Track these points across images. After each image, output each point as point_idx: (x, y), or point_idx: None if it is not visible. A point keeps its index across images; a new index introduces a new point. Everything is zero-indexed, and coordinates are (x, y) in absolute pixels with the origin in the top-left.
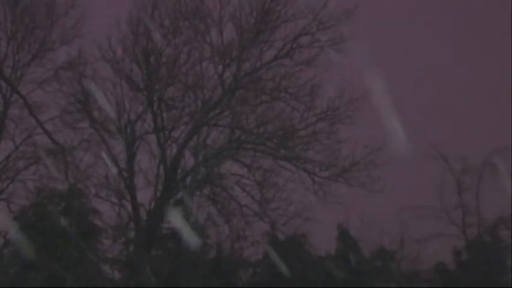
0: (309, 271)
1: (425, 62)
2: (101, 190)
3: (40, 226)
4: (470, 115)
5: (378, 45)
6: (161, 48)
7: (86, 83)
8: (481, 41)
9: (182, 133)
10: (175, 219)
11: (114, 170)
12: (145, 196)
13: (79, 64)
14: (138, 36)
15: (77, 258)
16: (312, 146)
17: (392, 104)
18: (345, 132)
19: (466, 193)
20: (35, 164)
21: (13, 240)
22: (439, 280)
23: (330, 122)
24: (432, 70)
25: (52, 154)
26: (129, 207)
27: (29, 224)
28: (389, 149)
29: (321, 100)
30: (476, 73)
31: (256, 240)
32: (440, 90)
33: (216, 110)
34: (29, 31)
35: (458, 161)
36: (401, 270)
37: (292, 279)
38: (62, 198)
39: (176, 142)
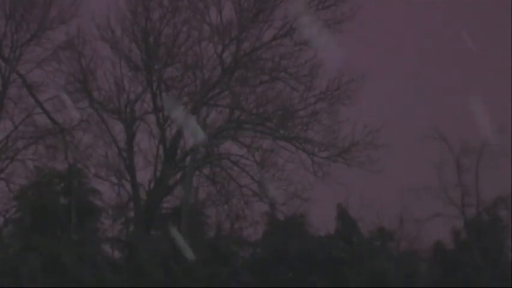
0: (308, 251)
1: (426, 42)
2: (101, 170)
3: (40, 206)
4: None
5: (378, 24)
6: (160, 28)
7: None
8: (481, 19)
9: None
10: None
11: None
12: (144, 176)
13: (78, 44)
14: (137, 16)
15: (76, 238)
16: (311, 126)
17: (392, 85)
18: (344, 113)
19: (465, 174)
20: (35, 143)
21: (13, 220)
22: (438, 260)
23: (329, 102)
24: (432, 51)
25: (51, 134)
26: (129, 187)
27: (29, 204)
28: (388, 130)
29: (320, 80)
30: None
31: (256, 220)
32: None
33: (215, 90)
34: (28, 10)
35: (457, 142)
36: (400, 250)
37: (291, 259)
38: (61, 178)
39: (175, 122)
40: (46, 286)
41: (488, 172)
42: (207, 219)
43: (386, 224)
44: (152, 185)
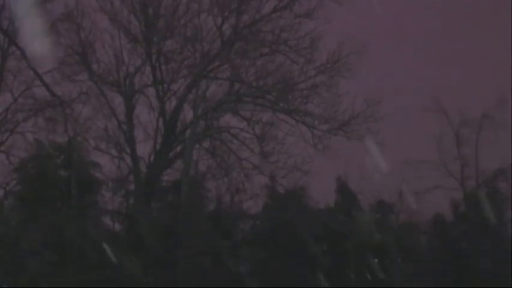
0: (308, 223)
1: (427, 14)
2: (101, 143)
3: (40, 178)
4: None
5: None
6: None
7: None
8: None
9: (181, 86)
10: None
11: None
12: (144, 149)
13: (77, 15)
14: None
15: (77, 210)
16: (311, 99)
17: (392, 57)
18: (344, 86)
19: (464, 146)
20: (34, 116)
21: (13, 192)
22: (437, 232)
23: (329, 75)
24: (433, 23)
25: (51, 106)
26: (129, 160)
27: (29, 176)
28: (388, 102)
29: (320, 53)
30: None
31: (256, 193)
32: (440, 43)
33: (215, 62)
34: None
35: (457, 114)
36: (400, 222)
37: (291, 231)
38: (61, 150)
39: (175, 95)
40: (47, 258)
41: (487, 144)
42: (207, 192)
43: (386, 196)
44: (152, 158)
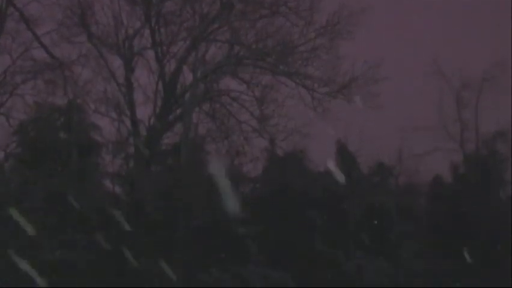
0: (307, 186)
1: None
2: (100, 105)
3: (40, 141)
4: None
5: None
6: None
7: None
8: None
9: (180, 49)
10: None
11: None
12: (144, 112)
13: None
14: None
15: (77, 173)
16: (311, 61)
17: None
18: (345, 48)
19: (464, 108)
20: (33, 78)
21: (13, 155)
22: (436, 194)
23: (329, 37)
24: None
25: (50, 68)
26: (128, 123)
27: (29, 139)
28: (388, 65)
29: (321, 15)
30: None
31: (256, 156)
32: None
33: (214, 24)
34: None
35: (457, 76)
36: (399, 185)
37: (291, 194)
38: (61, 113)
39: (174, 58)
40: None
41: (488, 106)
42: (207, 155)
43: (385, 159)
44: (152, 121)
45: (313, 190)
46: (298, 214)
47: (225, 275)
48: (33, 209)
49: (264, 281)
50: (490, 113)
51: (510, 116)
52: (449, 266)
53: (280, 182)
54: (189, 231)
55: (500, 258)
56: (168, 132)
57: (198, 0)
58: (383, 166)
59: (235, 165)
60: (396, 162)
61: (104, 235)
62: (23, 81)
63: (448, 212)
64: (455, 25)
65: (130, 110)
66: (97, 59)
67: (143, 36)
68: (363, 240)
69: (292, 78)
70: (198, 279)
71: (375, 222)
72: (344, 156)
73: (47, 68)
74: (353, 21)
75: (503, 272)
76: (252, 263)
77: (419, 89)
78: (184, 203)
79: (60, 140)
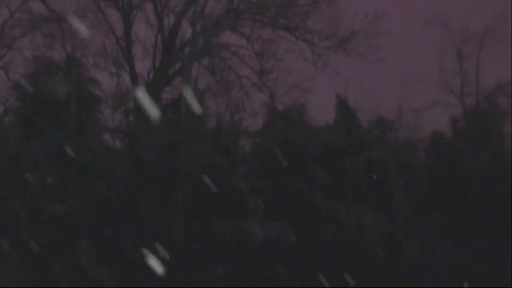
0: (307, 141)
1: None
2: (99, 60)
3: (39, 95)
4: None
5: None
6: None
7: None
8: None
9: (179, 2)
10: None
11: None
12: (143, 66)
13: None
14: None
15: (77, 127)
16: (311, 15)
17: None
18: (345, 1)
19: (465, 61)
20: (31, 32)
21: (13, 109)
22: (436, 149)
23: None
24: None
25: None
26: (128, 77)
27: (28, 93)
28: (389, 18)
29: None
30: None
31: (255, 111)
32: None
33: None
34: None
35: (458, 29)
36: (399, 139)
37: (291, 149)
38: (60, 67)
39: (173, 11)
40: (48, 173)
41: (489, 60)
42: (207, 110)
43: (385, 113)
44: (151, 75)
45: (313, 144)
46: (299, 168)
47: (224, 227)
48: (33, 162)
49: (264, 234)
50: (491, 66)
51: (511, 69)
52: (448, 223)
53: (280, 136)
54: (189, 184)
55: (500, 212)
56: (167, 86)
57: None
58: (382, 120)
59: (235, 120)
60: (396, 117)
61: (104, 188)
62: (22, 35)
63: (448, 166)
64: None
65: (129, 65)
66: (95, 12)
67: None
68: (363, 194)
69: (293, 33)
70: (197, 230)
71: (374, 176)
72: (344, 110)
73: (44, 21)
74: None
75: (503, 229)
76: (252, 216)
77: (420, 42)
78: (184, 159)
79: (60, 94)
